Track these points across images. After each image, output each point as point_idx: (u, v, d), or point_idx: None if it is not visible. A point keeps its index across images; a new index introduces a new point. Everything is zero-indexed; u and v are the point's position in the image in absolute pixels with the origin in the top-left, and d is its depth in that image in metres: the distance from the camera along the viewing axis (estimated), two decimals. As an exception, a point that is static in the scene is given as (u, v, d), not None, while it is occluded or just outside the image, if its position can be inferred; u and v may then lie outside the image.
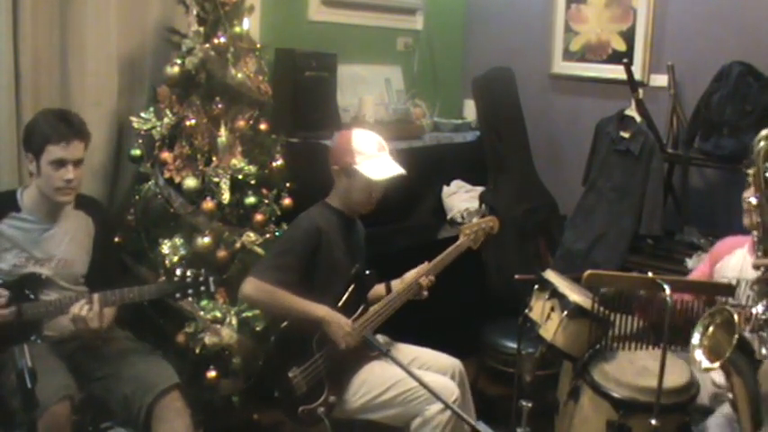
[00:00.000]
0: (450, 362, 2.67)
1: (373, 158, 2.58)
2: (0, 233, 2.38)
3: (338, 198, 2.64)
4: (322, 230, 2.53)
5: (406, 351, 2.70)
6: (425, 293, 2.68)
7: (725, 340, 2.00)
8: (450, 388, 2.46)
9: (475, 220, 2.91)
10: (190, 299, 2.53)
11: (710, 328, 2.07)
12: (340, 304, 2.54)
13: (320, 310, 2.46)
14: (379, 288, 2.71)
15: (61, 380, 2.25)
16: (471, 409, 2.66)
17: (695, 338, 2.07)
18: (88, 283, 2.50)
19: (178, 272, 2.46)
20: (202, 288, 2.46)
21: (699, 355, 2.04)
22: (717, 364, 2.00)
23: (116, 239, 2.77)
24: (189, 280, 2.44)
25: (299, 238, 2.53)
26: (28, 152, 2.38)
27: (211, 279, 2.47)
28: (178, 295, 2.45)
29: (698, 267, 2.72)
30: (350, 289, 2.57)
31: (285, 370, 2.46)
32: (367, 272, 2.66)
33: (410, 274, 2.68)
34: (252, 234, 2.85)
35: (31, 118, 2.45)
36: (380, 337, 2.72)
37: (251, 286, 2.45)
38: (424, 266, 2.69)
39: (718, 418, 2.27)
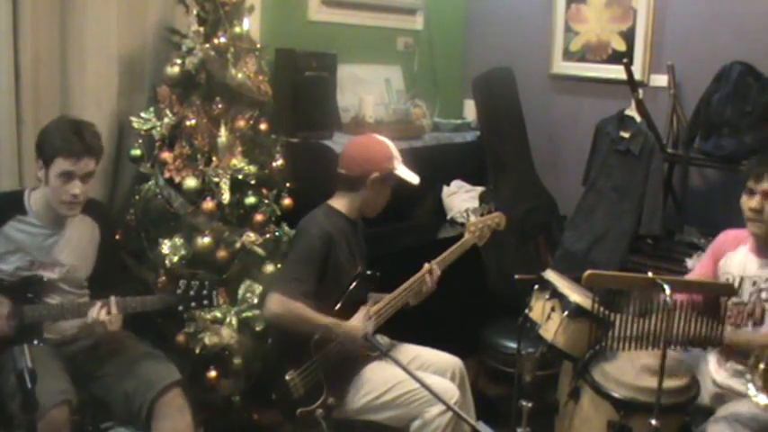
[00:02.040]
0: (451, 360, 2.67)
1: (403, 164, 2.62)
2: (5, 236, 2.37)
3: (350, 205, 2.61)
4: (332, 236, 2.51)
5: (407, 350, 2.70)
6: (430, 285, 2.66)
7: None
8: (450, 390, 2.46)
9: (474, 217, 2.90)
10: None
11: (761, 366, 2.09)
12: (339, 305, 2.54)
13: (345, 325, 2.47)
14: (379, 297, 2.70)
15: (60, 384, 2.24)
16: (471, 409, 2.66)
17: (751, 390, 2.10)
18: (91, 286, 2.51)
19: (181, 284, 2.48)
20: (205, 302, 2.48)
21: (763, 399, 2.07)
22: None
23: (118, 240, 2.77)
24: (192, 293, 2.46)
25: (315, 246, 2.49)
26: (38, 159, 2.37)
27: (215, 293, 2.50)
28: (181, 307, 2.47)
29: (700, 263, 2.71)
30: (350, 288, 2.57)
31: (282, 372, 2.45)
32: (368, 272, 2.66)
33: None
34: (252, 234, 2.85)
35: (47, 124, 2.41)
36: (381, 338, 2.72)
37: (277, 303, 2.41)
38: (426, 268, 2.69)
39: (718, 418, 2.27)
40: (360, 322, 2.48)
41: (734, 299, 2.42)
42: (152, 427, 2.33)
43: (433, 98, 4.31)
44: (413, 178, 2.63)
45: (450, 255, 2.74)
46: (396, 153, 2.62)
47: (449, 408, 2.18)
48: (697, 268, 2.71)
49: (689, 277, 2.68)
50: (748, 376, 2.16)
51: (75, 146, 2.31)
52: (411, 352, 2.69)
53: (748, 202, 2.42)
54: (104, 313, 2.29)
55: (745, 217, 2.46)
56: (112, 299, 2.33)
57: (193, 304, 2.47)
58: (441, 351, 2.71)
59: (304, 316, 2.41)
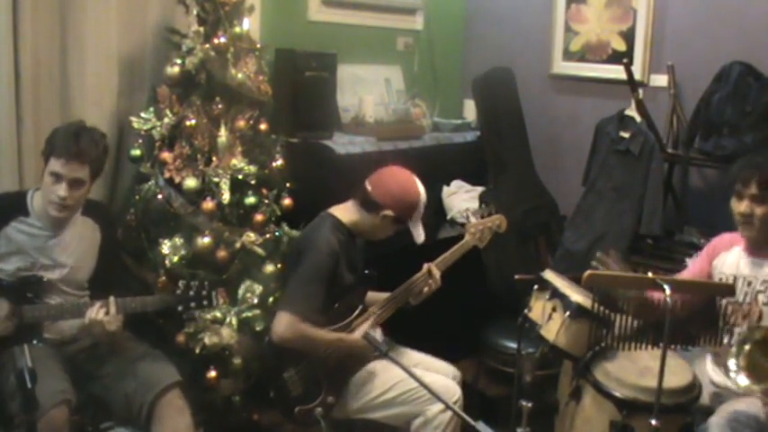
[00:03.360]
0: (450, 369, 2.67)
1: (420, 221, 2.60)
2: (6, 237, 2.38)
3: (356, 221, 2.59)
4: (338, 253, 2.51)
5: (406, 355, 2.69)
6: (433, 286, 2.67)
7: (764, 359, 2.01)
8: (451, 389, 2.46)
9: (474, 219, 2.90)
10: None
11: (746, 347, 2.07)
12: (336, 305, 2.54)
13: (348, 339, 2.48)
14: (379, 297, 2.70)
15: (59, 384, 2.25)
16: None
17: (731, 364, 2.07)
18: (92, 287, 2.51)
19: (181, 284, 2.48)
20: (205, 302, 2.49)
21: (742, 379, 2.05)
22: (762, 385, 2.01)
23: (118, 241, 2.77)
24: (192, 293, 2.46)
25: (324, 264, 2.47)
26: (42, 156, 2.40)
27: (214, 293, 2.51)
28: (180, 308, 2.47)
29: (694, 262, 2.71)
30: (347, 289, 2.57)
31: (281, 370, 2.45)
32: (366, 271, 2.66)
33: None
34: (252, 234, 2.85)
35: (60, 124, 2.46)
36: (380, 338, 2.72)
37: (286, 326, 2.39)
38: (426, 268, 2.69)
39: (718, 418, 2.27)
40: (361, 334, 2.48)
41: (730, 299, 2.42)
42: (152, 428, 2.33)
43: (433, 98, 4.31)
44: (419, 238, 2.60)
45: (450, 256, 2.74)
46: (421, 209, 2.59)
47: (447, 406, 2.18)
48: (690, 267, 2.71)
49: (683, 276, 2.68)
50: (732, 360, 2.13)
51: (68, 148, 2.33)
52: (410, 358, 2.68)
53: (738, 207, 2.42)
54: (103, 313, 2.30)
55: (735, 221, 2.46)
56: (111, 299, 2.33)
57: (193, 304, 2.48)
58: (438, 360, 2.71)
59: (312, 337, 2.42)
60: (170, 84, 2.82)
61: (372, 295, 2.70)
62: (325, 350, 2.47)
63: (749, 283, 2.45)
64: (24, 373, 1.75)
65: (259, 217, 2.90)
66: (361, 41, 4.00)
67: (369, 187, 2.57)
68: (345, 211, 2.61)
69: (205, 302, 2.50)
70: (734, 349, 2.11)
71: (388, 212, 2.53)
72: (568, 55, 4.13)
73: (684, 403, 2.28)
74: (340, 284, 2.54)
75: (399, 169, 2.64)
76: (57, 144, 2.34)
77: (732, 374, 2.10)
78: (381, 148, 3.52)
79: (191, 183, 2.76)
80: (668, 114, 3.61)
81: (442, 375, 2.55)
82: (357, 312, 2.58)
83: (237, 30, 2.86)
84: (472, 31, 4.57)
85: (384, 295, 2.67)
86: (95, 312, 2.29)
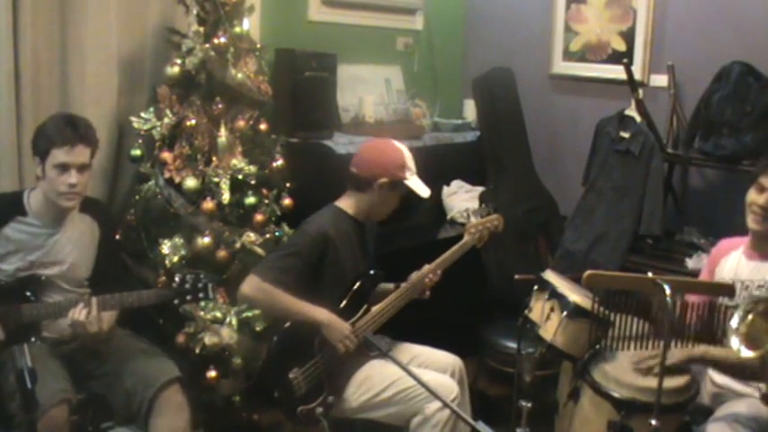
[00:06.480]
0: (451, 359, 2.67)
1: (415, 174, 2.61)
2: (5, 237, 2.37)
3: (357, 206, 2.60)
4: (330, 238, 2.50)
5: (407, 350, 2.70)
6: (428, 294, 2.68)
7: (764, 329, 1.98)
8: (449, 386, 2.46)
9: (475, 219, 2.91)
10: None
11: (750, 316, 2.04)
12: (342, 304, 2.54)
13: (320, 313, 2.46)
14: (387, 288, 2.70)
15: (59, 383, 2.25)
16: (468, 409, 2.66)
17: (734, 322, 2.03)
18: (92, 284, 2.50)
19: (177, 278, 2.47)
20: (201, 294, 2.46)
21: (735, 342, 2.01)
22: (754, 354, 1.97)
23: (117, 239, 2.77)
24: (188, 286, 2.44)
25: (305, 244, 2.49)
26: (35, 156, 2.38)
27: (210, 285, 2.48)
28: (177, 301, 2.45)
29: (702, 274, 2.70)
30: (353, 288, 2.58)
31: (286, 370, 2.46)
32: (371, 271, 2.66)
33: (415, 275, 2.69)
34: (252, 234, 2.85)
35: (42, 122, 2.43)
36: (381, 338, 2.72)
37: (250, 285, 2.43)
38: (428, 267, 2.69)
39: (718, 418, 2.27)
40: (350, 328, 2.48)
41: (728, 301, 2.41)
42: (150, 423, 2.33)
43: (433, 98, 4.31)
44: (423, 191, 2.61)
45: (449, 256, 2.74)
46: (410, 163, 2.60)
47: (446, 405, 2.18)
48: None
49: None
50: (735, 320, 2.09)
51: (68, 135, 2.33)
52: (411, 351, 2.69)
53: (757, 198, 2.37)
54: (85, 314, 2.28)
55: (749, 211, 2.41)
56: (93, 299, 2.31)
57: (189, 297, 2.45)
58: (440, 350, 2.71)
59: (275, 298, 2.41)
60: (170, 84, 2.83)
61: (382, 287, 2.70)
62: (286, 315, 2.47)
63: (746, 287, 2.44)
64: (24, 372, 1.75)
65: (259, 217, 2.91)
66: (361, 41, 4.00)
67: (354, 170, 2.58)
68: (346, 201, 2.62)
69: (201, 295, 2.46)
70: (740, 312, 2.08)
71: (382, 180, 2.54)
72: (568, 55, 4.13)
73: (682, 403, 2.28)
74: (341, 272, 2.54)
75: (371, 140, 2.71)
76: (54, 136, 2.33)
77: (730, 333, 2.07)
78: (381, 147, 3.52)
79: (191, 183, 2.77)
80: (668, 114, 3.61)
81: (439, 373, 2.55)
82: (361, 313, 2.58)
83: (237, 30, 2.86)
84: (472, 31, 4.57)
85: (390, 286, 2.68)
86: (77, 313, 2.27)
